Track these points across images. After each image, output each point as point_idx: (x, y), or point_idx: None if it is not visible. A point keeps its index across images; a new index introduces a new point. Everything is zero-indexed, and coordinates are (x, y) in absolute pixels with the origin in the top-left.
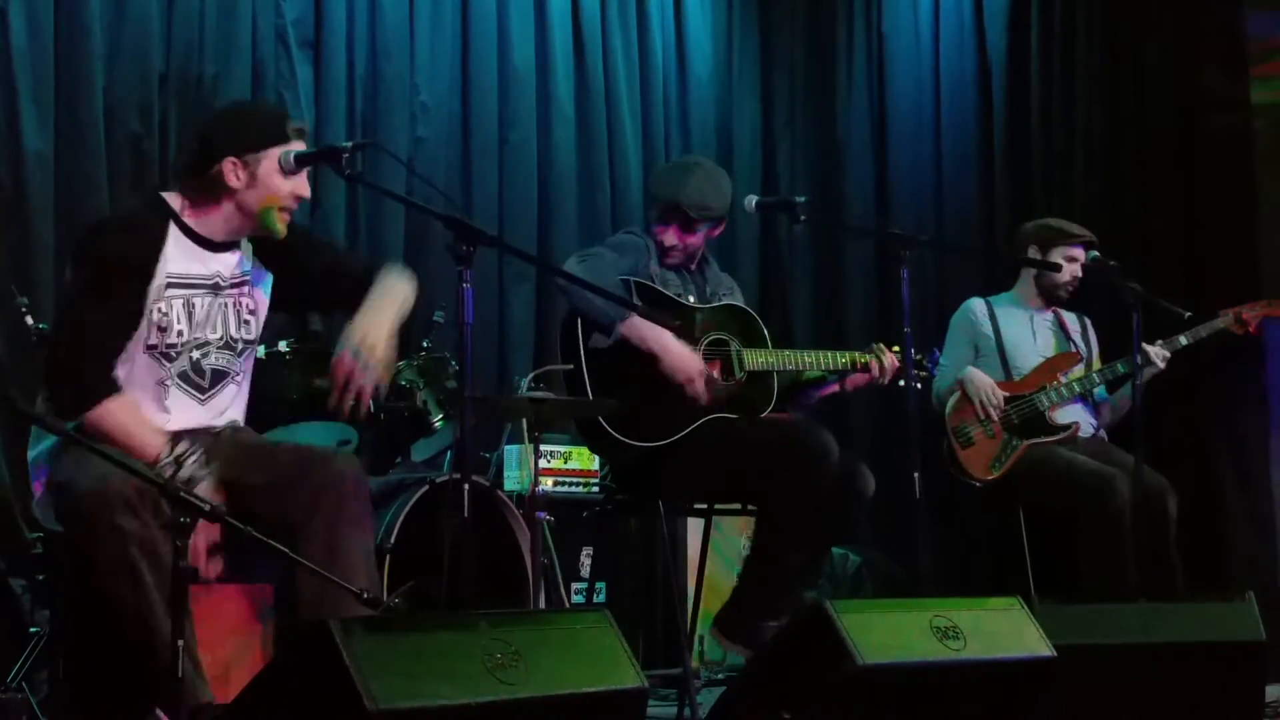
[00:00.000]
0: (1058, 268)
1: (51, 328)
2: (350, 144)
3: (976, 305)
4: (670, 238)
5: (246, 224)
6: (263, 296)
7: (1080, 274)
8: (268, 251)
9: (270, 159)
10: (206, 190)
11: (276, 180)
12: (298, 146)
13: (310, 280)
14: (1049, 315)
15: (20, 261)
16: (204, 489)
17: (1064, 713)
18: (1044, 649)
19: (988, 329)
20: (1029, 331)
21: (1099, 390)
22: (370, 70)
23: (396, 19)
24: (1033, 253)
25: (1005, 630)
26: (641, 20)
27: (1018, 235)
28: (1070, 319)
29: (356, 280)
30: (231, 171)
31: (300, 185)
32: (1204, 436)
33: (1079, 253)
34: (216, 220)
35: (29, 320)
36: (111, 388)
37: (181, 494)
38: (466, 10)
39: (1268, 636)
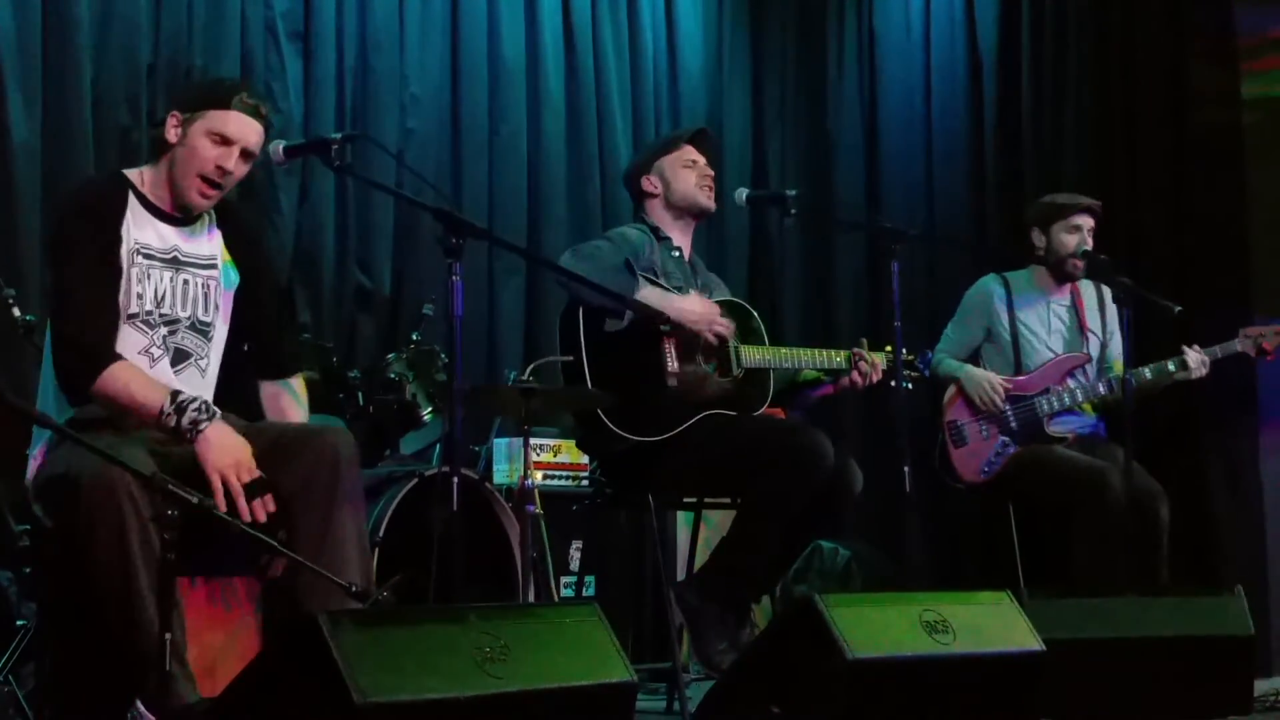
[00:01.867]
0: (1054, 257)
1: (50, 315)
2: (339, 135)
3: (995, 289)
4: (673, 180)
5: (173, 187)
6: (227, 295)
7: (1087, 242)
8: (238, 250)
9: (205, 120)
10: (155, 147)
11: (203, 143)
12: (239, 117)
13: (248, 314)
14: (1065, 298)
15: (7, 254)
16: (232, 448)
17: (1053, 707)
18: (1033, 643)
19: (1004, 319)
20: (1044, 322)
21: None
22: (360, 62)
23: (386, 11)
24: (1036, 236)
25: (994, 624)
26: (632, 13)
27: (1024, 219)
28: (1088, 295)
29: (276, 359)
30: (172, 126)
31: (224, 157)
32: (1193, 432)
33: (1082, 220)
34: (163, 185)
35: (16, 312)
36: (113, 354)
37: (170, 487)
38: (456, 2)
39: (1256, 631)
